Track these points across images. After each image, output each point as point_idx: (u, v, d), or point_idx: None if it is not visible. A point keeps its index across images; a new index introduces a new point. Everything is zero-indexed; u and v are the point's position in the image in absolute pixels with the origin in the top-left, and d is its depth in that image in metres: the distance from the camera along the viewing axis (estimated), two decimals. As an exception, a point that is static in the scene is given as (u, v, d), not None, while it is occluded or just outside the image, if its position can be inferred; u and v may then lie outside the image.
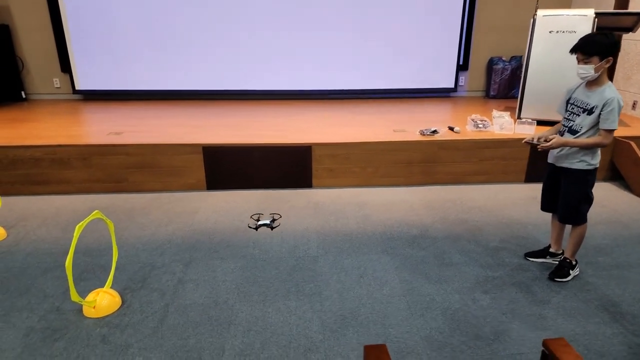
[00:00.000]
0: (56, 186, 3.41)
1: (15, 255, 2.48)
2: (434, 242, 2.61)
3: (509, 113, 3.76)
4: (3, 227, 2.78)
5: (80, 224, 1.82)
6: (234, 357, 1.73)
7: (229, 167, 3.48)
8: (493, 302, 2.03)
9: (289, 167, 3.49)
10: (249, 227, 2.82)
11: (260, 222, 2.85)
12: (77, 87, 5.14)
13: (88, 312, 1.98)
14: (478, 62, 5.29)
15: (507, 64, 5.09)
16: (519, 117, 3.79)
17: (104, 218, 2.02)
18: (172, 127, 3.89)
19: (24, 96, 5.14)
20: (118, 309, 2.02)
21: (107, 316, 1.97)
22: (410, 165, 3.48)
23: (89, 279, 2.26)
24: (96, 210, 1.96)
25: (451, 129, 3.66)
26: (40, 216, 2.99)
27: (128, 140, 3.44)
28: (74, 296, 1.85)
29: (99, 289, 2.06)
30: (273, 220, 2.89)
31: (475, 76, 5.36)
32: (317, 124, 4.04)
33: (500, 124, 3.54)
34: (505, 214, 2.98)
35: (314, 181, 3.53)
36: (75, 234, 1.79)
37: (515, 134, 3.50)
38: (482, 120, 3.63)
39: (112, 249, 2.19)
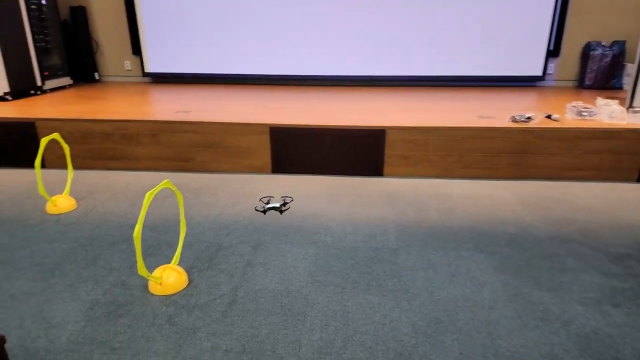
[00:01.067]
0: (125, 162, 3.38)
1: (83, 227, 2.41)
2: (538, 242, 2.24)
3: (617, 101, 3.25)
4: (74, 198, 2.75)
5: (151, 191, 1.67)
6: (312, 354, 1.49)
7: (295, 151, 3.28)
8: (629, 318, 1.64)
9: (359, 153, 3.23)
10: (256, 209, 2.64)
11: (269, 205, 2.64)
12: (147, 70, 5.19)
13: (154, 288, 1.83)
14: (572, 47, 4.72)
15: (607, 49, 4.49)
16: (630, 106, 3.26)
17: (174, 188, 1.87)
18: (240, 108, 3.76)
19: (97, 77, 5.27)
20: (185, 288, 1.86)
21: (173, 295, 1.82)
22: (498, 156, 3.09)
23: (155, 255, 2.14)
24: (166, 180, 1.81)
25: (548, 116, 3.22)
26: (109, 190, 2.95)
27: (196, 118, 3.34)
28: (141, 270, 1.71)
29: (165, 265, 1.91)
30: (284, 204, 2.69)
31: (568, 63, 4.79)
32: (392, 108, 3.74)
33: (609, 113, 3.05)
34: (623, 216, 2.53)
35: (385, 169, 3.24)
36: (145, 202, 1.64)
37: (628, 124, 3.00)
38: (586, 108, 3.15)
39: (178, 226, 2.05)
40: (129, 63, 5.30)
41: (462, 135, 3.08)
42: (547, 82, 4.88)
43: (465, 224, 2.44)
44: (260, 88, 4.93)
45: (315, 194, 2.91)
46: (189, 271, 1.99)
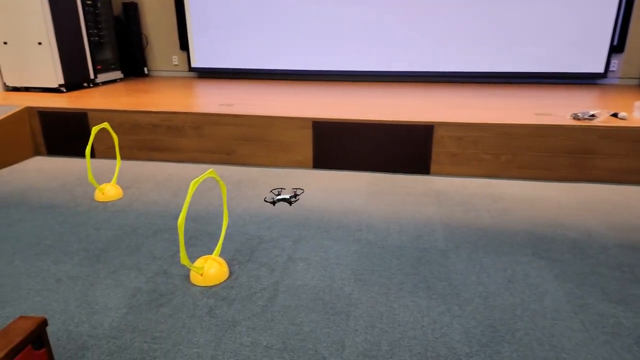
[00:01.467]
0: (170, 153, 3.42)
1: (128, 215, 2.44)
2: (603, 249, 2.04)
3: (695, 100, 2.94)
4: (120, 187, 2.80)
5: (196, 180, 1.64)
6: (356, 357, 1.41)
7: (337, 146, 3.19)
8: None
9: (405, 149, 3.10)
10: (265, 201, 2.62)
11: (279, 197, 2.59)
12: (193, 65, 5.27)
13: (195, 279, 1.81)
14: (638, 43, 4.36)
15: (681, 45, 4.10)
16: None
17: (218, 178, 1.83)
18: (283, 102, 3.73)
19: (145, 72, 5.41)
20: (225, 280, 1.82)
21: (214, 286, 1.78)
22: (557, 156, 2.87)
23: (196, 245, 2.12)
24: (211, 169, 1.78)
25: (614, 115, 2.96)
26: (153, 180, 2.99)
27: (239, 111, 3.33)
28: (184, 259, 1.68)
29: (207, 256, 1.89)
30: (294, 196, 2.63)
31: (634, 60, 4.43)
32: (441, 105, 3.58)
33: (686, 112, 2.76)
34: (701, 224, 2.27)
35: (432, 167, 3.09)
36: (190, 190, 1.61)
37: None
38: (658, 106, 2.87)
39: (220, 218, 2.02)
40: (176, 58, 5.41)
41: (517, 132, 2.89)
42: (609, 80, 4.53)
43: (521, 227, 2.27)
44: (303, 83, 4.89)
45: (356, 190, 2.82)
46: (229, 263, 1.96)
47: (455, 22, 4.54)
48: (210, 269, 1.81)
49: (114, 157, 3.50)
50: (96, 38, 4.42)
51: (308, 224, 2.35)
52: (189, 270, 1.87)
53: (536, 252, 2.02)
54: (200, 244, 2.13)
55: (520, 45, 4.47)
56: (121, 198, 2.68)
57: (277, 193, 2.68)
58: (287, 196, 2.61)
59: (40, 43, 3.74)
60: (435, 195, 2.72)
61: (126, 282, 1.81)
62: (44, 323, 1.13)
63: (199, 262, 1.84)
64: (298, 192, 2.72)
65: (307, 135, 3.22)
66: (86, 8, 4.20)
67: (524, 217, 2.38)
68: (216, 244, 2.13)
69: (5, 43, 3.81)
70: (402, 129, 3.06)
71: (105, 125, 2.54)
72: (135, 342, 1.47)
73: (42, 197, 2.67)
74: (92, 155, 3.50)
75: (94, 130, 2.41)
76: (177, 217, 2.41)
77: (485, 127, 2.92)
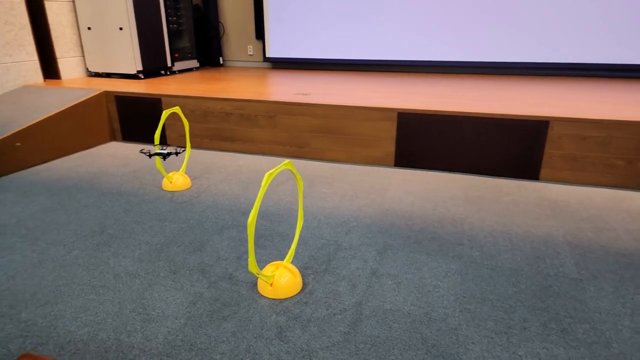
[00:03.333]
0: (241, 144, 3.22)
1: (195, 207, 2.24)
2: None
3: None
4: (189, 177, 2.63)
5: (271, 172, 1.35)
6: None
7: (425, 142, 2.78)
8: None
9: (508, 149, 2.62)
10: (141, 152, 2.62)
11: (160, 151, 2.40)
12: (268, 55, 5.10)
13: (263, 289, 1.52)
14: None
15: None
16: None
17: (295, 171, 1.53)
18: (362, 93, 3.38)
19: (221, 62, 5.34)
20: (298, 293, 1.52)
21: (285, 300, 1.48)
22: None
23: (266, 247, 1.84)
24: (288, 160, 1.48)
25: None
26: (223, 171, 2.79)
27: (315, 100, 3.04)
28: (252, 265, 1.40)
29: (278, 262, 1.59)
30: (176, 153, 2.51)
31: None
32: (555, 97, 3.02)
33: None
34: None
35: (543, 172, 2.57)
36: (264, 183, 1.32)
37: None
38: None
39: (292, 216, 1.73)
40: (251, 48, 5.28)
41: (661, 134, 2.29)
42: None
43: (679, 256, 1.72)
44: (386, 74, 4.51)
45: (451, 194, 2.39)
46: (303, 272, 1.65)
47: (580, 10, 3.89)
48: (281, 279, 1.51)
49: (185, 145, 3.37)
50: (175, 26, 4.38)
51: (394, 231, 1.98)
52: (256, 276, 1.60)
53: None
54: (269, 246, 1.86)
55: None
56: (189, 188, 2.50)
57: (162, 148, 2.42)
58: (166, 151, 2.40)
59: (121, 28, 3.73)
60: (550, 206, 2.22)
61: (187, 285, 1.57)
62: None
63: (268, 270, 1.55)
64: (179, 149, 2.49)
65: (391, 129, 2.84)
66: (167, -5, 4.16)
67: (682, 243, 1.82)
68: (287, 247, 1.84)
69: (89, 28, 3.85)
70: (507, 124, 2.57)
71: (177, 109, 2.37)
72: (192, 365, 1.21)
73: (112, 182, 2.56)
74: (164, 143, 3.40)
75: (165, 113, 2.24)
76: (245, 213, 2.16)
77: (619, 125, 2.35)
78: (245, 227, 2.01)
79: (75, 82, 3.73)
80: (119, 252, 1.78)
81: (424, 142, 2.79)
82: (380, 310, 1.44)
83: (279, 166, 1.41)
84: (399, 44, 4.55)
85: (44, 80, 3.74)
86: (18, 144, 2.73)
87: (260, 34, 5.11)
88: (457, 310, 1.44)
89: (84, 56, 4.04)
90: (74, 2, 3.86)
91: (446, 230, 2.00)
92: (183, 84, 3.76)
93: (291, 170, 1.51)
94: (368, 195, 2.39)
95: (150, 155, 2.40)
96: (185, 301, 1.47)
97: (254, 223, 1.33)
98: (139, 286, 1.55)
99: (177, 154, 2.52)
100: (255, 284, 1.57)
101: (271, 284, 1.50)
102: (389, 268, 1.69)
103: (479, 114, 2.63)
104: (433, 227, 2.03)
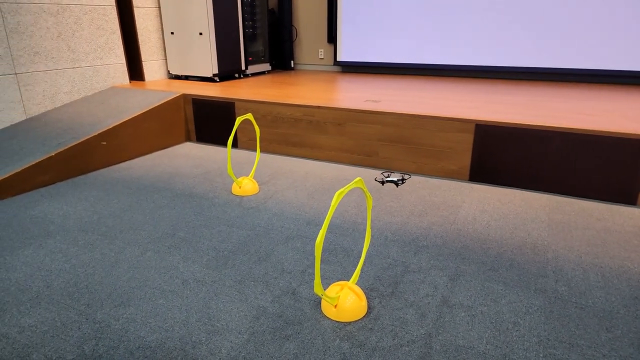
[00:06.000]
0: (308, 150, 3.21)
1: (262, 213, 2.25)
2: None
3: None
4: (257, 182, 2.66)
5: (341, 190, 1.29)
6: None
7: (505, 157, 2.57)
8: None
9: (602, 169, 2.34)
10: (376, 180, 2.62)
11: (388, 179, 2.38)
12: (339, 59, 5.07)
13: (327, 310, 1.47)
14: None
15: None
16: None
17: (365, 189, 1.46)
18: (437, 100, 3.22)
19: (292, 65, 5.40)
20: (363, 318, 1.45)
21: (349, 323, 1.42)
22: None
23: (329, 263, 1.79)
24: (359, 178, 1.41)
25: None
26: (289, 177, 2.79)
27: (385, 108, 2.94)
28: (318, 287, 1.35)
29: (343, 282, 1.53)
30: (402, 180, 2.39)
31: None
32: (653, 113, 2.67)
33: None
34: None
35: (643, 197, 2.27)
36: (333, 202, 1.27)
37: None
38: None
39: (357, 230, 1.66)
40: (322, 51, 5.28)
41: None
42: None
43: None
44: (461, 80, 4.29)
45: (533, 216, 2.19)
46: (368, 294, 1.58)
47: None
48: (345, 301, 1.45)
49: (255, 149, 3.44)
50: (250, 30, 4.49)
51: (467, 256, 1.84)
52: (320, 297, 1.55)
53: None
54: (333, 261, 1.80)
55: None
56: (257, 193, 2.52)
57: (386, 175, 2.40)
58: (395, 179, 2.31)
59: (201, 33, 3.89)
60: (654, 238, 1.95)
61: (251, 297, 1.56)
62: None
63: (332, 290, 1.50)
64: (405, 177, 2.48)
65: (467, 141, 2.67)
66: (245, 0, 4.27)
67: None
68: (351, 263, 1.78)
69: (172, 33, 4.06)
70: (601, 142, 2.30)
71: (249, 116, 2.39)
72: (253, 386, 1.19)
73: (185, 184, 2.66)
74: (235, 146, 3.49)
75: (238, 120, 2.27)
76: (310, 223, 2.13)
77: None
78: (310, 238, 1.98)
79: (157, 84, 3.96)
80: (188, 256, 1.83)
81: (503, 156, 2.59)
82: (452, 346, 1.33)
83: (349, 185, 1.35)
84: (476, 47, 4.30)
85: (130, 82, 4.01)
86: (104, 142, 2.93)
87: (332, 37, 5.09)
88: (541, 355, 1.29)
89: (166, 59, 4.28)
90: (159, 8, 4.09)
91: (527, 258, 1.82)
92: (255, 88, 3.84)
93: (362, 189, 1.44)
94: (439, 212, 2.26)
95: (383, 183, 2.55)
96: (249, 315, 1.46)
97: (322, 244, 1.28)
98: (205, 294, 1.57)
99: (403, 181, 2.62)
100: (319, 303, 1.53)
101: (335, 306, 1.45)
102: (462, 297, 1.56)
103: (568, 129, 2.38)
104: (511, 253, 1.86)
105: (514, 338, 1.36)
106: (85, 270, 1.71)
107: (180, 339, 1.34)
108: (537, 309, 1.50)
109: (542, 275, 1.70)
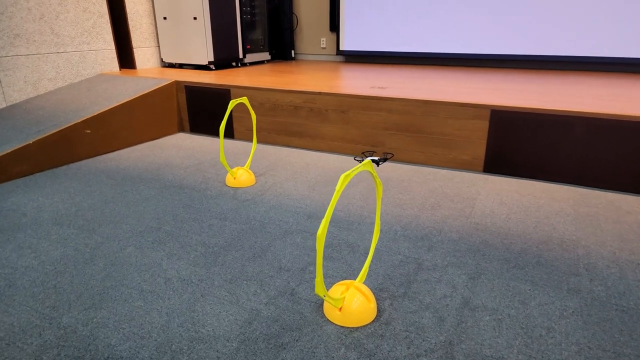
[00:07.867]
0: (309, 140, 3.01)
1: (258, 206, 2.05)
2: None
3: None
4: (253, 173, 2.46)
5: (347, 173, 1.09)
6: None
7: (524, 145, 2.37)
8: None
9: (630, 157, 2.14)
10: (355, 159, 2.44)
11: (370, 158, 2.02)
12: (342, 48, 4.86)
13: (330, 312, 1.27)
14: None
15: None
16: None
17: (374, 174, 1.25)
18: (447, 87, 3.02)
19: (292, 55, 5.19)
20: (372, 322, 1.25)
21: (356, 329, 1.22)
22: None
23: (333, 259, 1.59)
24: (368, 160, 1.21)
25: None
26: (289, 169, 2.59)
27: (392, 94, 2.74)
28: (319, 288, 1.15)
29: (348, 281, 1.33)
30: (384, 160, 2.06)
31: None
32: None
33: None
34: None
35: (676, 189, 2.07)
36: (338, 187, 1.07)
37: None
38: None
39: (363, 223, 1.46)
40: (324, 40, 5.07)
41: None
42: None
43: None
44: (472, 69, 4.08)
45: (555, 209, 1.98)
46: (377, 295, 1.37)
47: None
48: (352, 303, 1.25)
49: (252, 140, 3.23)
50: (249, 17, 4.28)
51: (487, 252, 1.64)
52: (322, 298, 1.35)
53: None
54: (337, 258, 1.60)
55: None
56: (253, 185, 2.32)
57: (368, 154, 2.17)
58: (377, 157, 2.12)
59: (195, 18, 3.68)
60: (695, 232, 1.74)
61: (243, 298, 1.36)
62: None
63: (337, 290, 1.29)
64: (388, 155, 2.32)
65: (482, 129, 2.46)
66: (242, -15, 4.06)
67: None
68: (358, 260, 1.57)
69: (164, 18, 3.85)
70: (629, 128, 2.10)
71: (244, 99, 2.19)
72: (241, 406, 0.98)
73: (175, 175, 2.46)
74: (231, 136, 3.29)
75: (232, 103, 2.07)
76: (311, 217, 1.92)
77: None
78: (310, 233, 1.78)
79: (149, 72, 3.75)
80: (173, 252, 1.63)
81: (521, 145, 2.38)
82: (477, 356, 1.13)
83: (357, 166, 1.14)
84: (485, 36, 4.09)
85: (120, 70, 3.81)
86: (88, 131, 2.73)
87: (334, 25, 4.88)
88: (585, 368, 1.08)
89: (159, 47, 4.07)
90: (152, -7, 3.89)
91: (555, 254, 1.62)
92: (253, 76, 3.63)
93: (371, 172, 1.24)
94: (453, 205, 2.05)
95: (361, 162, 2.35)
96: (240, 319, 1.26)
97: (324, 236, 1.08)
98: (190, 295, 1.37)
99: (385, 160, 2.43)
100: (321, 305, 1.33)
101: (340, 308, 1.25)
102: (485, 299, 1.36)
103: (593, 114, 2.18)
104: (537, 249, 1.66)
105: (549, 346, 1.16)
106: (55, 268, 1.51)
107: (157, 348, 1.14)
108: (573, 312, 1.30)
109: (573, 273, 1.50)
